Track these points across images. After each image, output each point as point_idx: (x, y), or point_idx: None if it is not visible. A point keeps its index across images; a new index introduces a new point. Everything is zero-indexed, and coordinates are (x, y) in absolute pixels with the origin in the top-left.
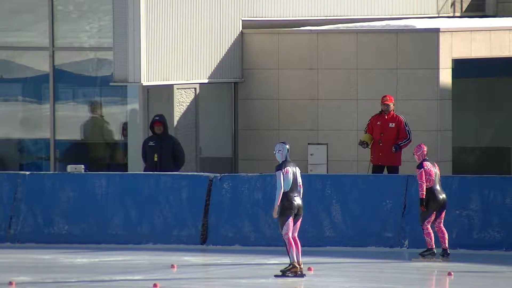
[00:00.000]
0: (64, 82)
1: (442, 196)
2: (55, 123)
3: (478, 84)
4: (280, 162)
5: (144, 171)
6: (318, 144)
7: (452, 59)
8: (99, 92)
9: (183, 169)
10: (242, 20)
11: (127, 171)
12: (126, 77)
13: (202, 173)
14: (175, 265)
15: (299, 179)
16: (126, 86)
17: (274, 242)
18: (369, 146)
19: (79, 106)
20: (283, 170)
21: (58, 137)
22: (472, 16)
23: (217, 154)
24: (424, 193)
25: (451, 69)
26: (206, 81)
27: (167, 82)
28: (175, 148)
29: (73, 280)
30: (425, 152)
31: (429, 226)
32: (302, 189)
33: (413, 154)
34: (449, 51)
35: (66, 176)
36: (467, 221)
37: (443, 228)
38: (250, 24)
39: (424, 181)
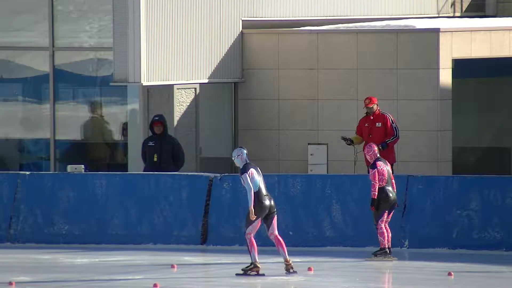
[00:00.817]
0: (64, 82)
1: (393, 195)
2: (55, 123)
3: (478, 84)
4: (242, 166)
5: (144, 171)
6: (318, 144)
7: (452, 59)
8: (99, 92)
9: (183, 169)
10: (242, 20)
11: (127, 171)
12: (126, 77)
13: (202, 173)
14: (175, 265)
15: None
16: (126, 86)
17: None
18: (354, 144)
19: (79, 106)
20: (248, 173)
21: (58, 137)
22: (472, 16)
23: (217, 154)
24: (376, 193)
25: (451, 69)
26: (206, 81)
27: (167, 82)
28: (175, 148)
29: (73, 280)
30: (376, 151)
31: (383, 226)
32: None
33: (364, 155)
34: (449, 51)
35: (66, 176)
36: (467, 221)
37: (388, 227)
38: (250, 24)
39: (377, 182)
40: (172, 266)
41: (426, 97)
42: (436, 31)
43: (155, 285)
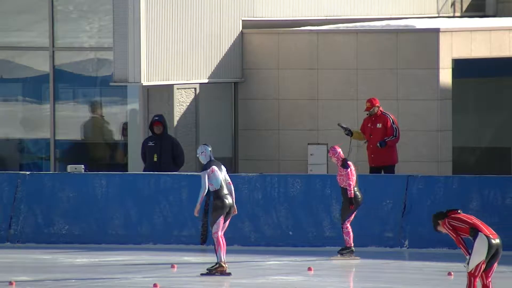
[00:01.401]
0: (64, 82)
1: (361, 196)
2: (55, 123)
3: (478, 84)
4: (205, 163)
5: (144, 171)
6: (318, 144)
7: (452, 59)
8: (99, 92)
9: (183, 169)
10: (242, 20)
11: (127, 171)
12: (126, 77)
13: None
14: (175, 265)
15: (227, 177)
16: (126, 86)
17: (274, 242)
18: (352, 137)
19: (79, 106)
20: (208, 170)
21: (58, 137)
22: (472, 16)
23: (217, 154)
24: (352, 192)
25: (451, 69)
26: (206, 81)
27: (167, 82)
28: (174, 148)
29: (73, 280)
30: (341, 153)
31: (348, 225)
32: (232, 186)
33: (330, 157)
34: (449, 51)
35: (66, 176)
36: None
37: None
38: (250, 24)
39: (353, 180)
40: (172, 266)
41: (426, 97)
42: (436, 31)
43: (155, 285)
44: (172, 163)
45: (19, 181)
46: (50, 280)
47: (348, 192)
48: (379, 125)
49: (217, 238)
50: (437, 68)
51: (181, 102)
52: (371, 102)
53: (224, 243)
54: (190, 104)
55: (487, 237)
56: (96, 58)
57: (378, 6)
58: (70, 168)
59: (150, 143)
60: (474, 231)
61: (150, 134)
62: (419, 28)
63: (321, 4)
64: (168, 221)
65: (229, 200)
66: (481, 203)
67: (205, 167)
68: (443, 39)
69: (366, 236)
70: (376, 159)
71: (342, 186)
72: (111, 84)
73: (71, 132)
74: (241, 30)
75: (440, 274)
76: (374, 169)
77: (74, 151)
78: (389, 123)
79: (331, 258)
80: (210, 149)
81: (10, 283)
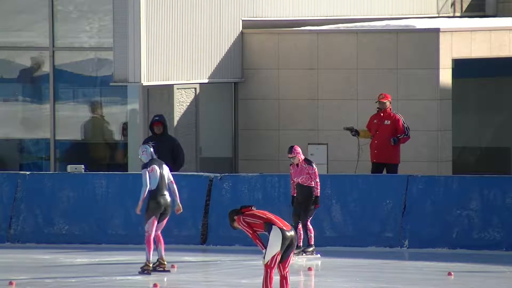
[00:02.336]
0: (64, 82)
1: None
2: (55, 123)
3: (478, 84)
4: (147, 162)
5: None
6: (318, 144)
7: (452, 59)
8: (99, 92)
9: (183, 169)
10: (242, 20)
11: (127, 171)
12: (126, 77)
13: (202, 173)
14: (175, 265)
15: (170, 177)
16: (126, 86)
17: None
18: (359, 137)
19: (79, 106)
20: (148, 169)
21: (58, 137)
22: (472, 16)
23: (217, 154)
24: (319, 190)
25: (451, 69)
26: (206, 81)
27: (167, 82)
28: (174, 148)
29: (73, 280)
30: (300, 154)
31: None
32: (175, 185)
33: (292, 158)
34: (449, 51)
35: (66, 176)
36: (467, 221)
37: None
38: (250, 24)
39: (318, 180)
40: (172, 266)
41: (426, 97)
42: (436, 31)
43: (155, 285)
44: (172, 163)
45: (19, 181)
46: (50, 280)
47: (316, 191)
48: (387, 122)
49: (147, 237)
50: (437, 68)
51: (181, 102)
52: (384, 95)
53: (162, 240)
54: (190, 104)
55: (281, 229)
56: (96, 58)
57: (378, 6)
58: (70, 168)
59: (150, 143)
60: (268, 225)
61: (150, 134)
62: (419, 28)
63: (321, 4)
64: (168, 221)
65: (165, 199)
66: (481, 203)
67: (145, 165)
68: (443, 39)
69: (366, 236)
70: (379, 156)
71: (305, 184)
72: (111, 84)
73: (71, 132)
74: (241, 30)
75: (440, 274)
76: (375, 166)
77: (74, 151)
78: (400, 122)
79: (297, 257)
80: (151, 148)
81: (10, 283)
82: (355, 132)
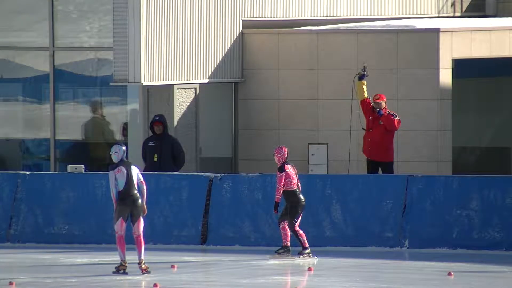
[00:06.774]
0: (64, 82)
1: (303, 198)
2: (55, 123)
3: (478, 84)
4: (116, 163)
5: (144, 171)
6: (319, 144)
7: (452, 59)
8: (99, 92)
9: (183, 169)
10: (242, 20)
11: None
12: (126, 77)
13: (202, 173)
14: (175, 265)
15: (139, 177)
16: (126, 86)
17: (274, 242)
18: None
19: (79, 106)
20: (115, 170)
21: (58, 137)
22: (472, 16)
23: (217, 154)
24: (280, 197)
25: (451, 69)
26: (206, 81)
27: (167, 82)
28: (175, 148)
29: (73, 280)
30: (286, 155)
31: (287, 227)
32: (145, 185)
33: (273, 156)
34: (449, 51)
35: (66, 176)
36: (467, 221)
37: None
38: (250, 24)
39: (282, 185)
40: (172, 266)
41: (426, 97)
42: (436, 31)
43: (155, 285)
44: (172, 163)
45: (19, 181)
46: (50, 280)
47: (275, 197)
48: (381, 122)
49: (117, 238)
50: (437, 68)
51: (181, 102)
52: (379, 96)
53: (142, 242)
54: (190, 104)
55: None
56: (96, 58)
57: (378, 6)
58: (70, 168)
59: (151, 143)
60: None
61: (151, 134)
62: (419, 28)
63: (321, 4)
64: (168, 221)
65: (132, 200)
66: (481, 203)
67: (112, 168)
68: (443, 39)
69: (366, 236)
70: (373, 153)
71: (285, 189)
72: (111, 84)
73: (71, 132)
74: (241, 30)
75: (440, 274)
76: (371, 166)
77: (74, 151)
78: (394, 122)
79: (269, 257)
80: (124, 149)
81: (10, 283)
82: (362, 76)
